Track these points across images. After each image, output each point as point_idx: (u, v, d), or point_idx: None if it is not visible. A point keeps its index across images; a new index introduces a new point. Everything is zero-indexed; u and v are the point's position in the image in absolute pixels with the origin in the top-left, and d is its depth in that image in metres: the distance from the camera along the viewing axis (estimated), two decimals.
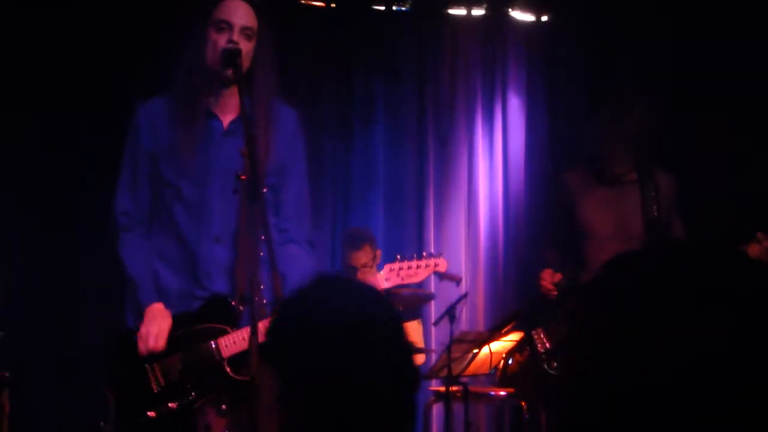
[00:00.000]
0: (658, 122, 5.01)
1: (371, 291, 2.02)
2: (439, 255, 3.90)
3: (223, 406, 5.05)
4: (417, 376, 1.96)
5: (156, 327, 3.64)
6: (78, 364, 6.30)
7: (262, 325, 3.51)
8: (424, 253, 3.90)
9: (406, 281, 3.84)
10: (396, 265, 3.82)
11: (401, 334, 1.92)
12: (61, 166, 6.49)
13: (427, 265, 3.86)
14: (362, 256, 6.15)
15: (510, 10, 7.36)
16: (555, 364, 4.96)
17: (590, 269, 4.97)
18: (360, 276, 5.94)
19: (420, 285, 6.95)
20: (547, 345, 4.99)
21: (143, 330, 3.64)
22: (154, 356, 3.64)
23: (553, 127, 7.26)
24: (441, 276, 4.67)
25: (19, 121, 6.43)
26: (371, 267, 6.11)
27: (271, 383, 3.52)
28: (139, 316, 3.68)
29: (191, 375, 3.65)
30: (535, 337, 5.02)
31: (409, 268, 3.84)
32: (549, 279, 4.97)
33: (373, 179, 7.24)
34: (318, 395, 1.83)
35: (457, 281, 5.49)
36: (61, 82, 6.43)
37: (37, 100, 6.44)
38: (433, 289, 6.95)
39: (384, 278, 3.82)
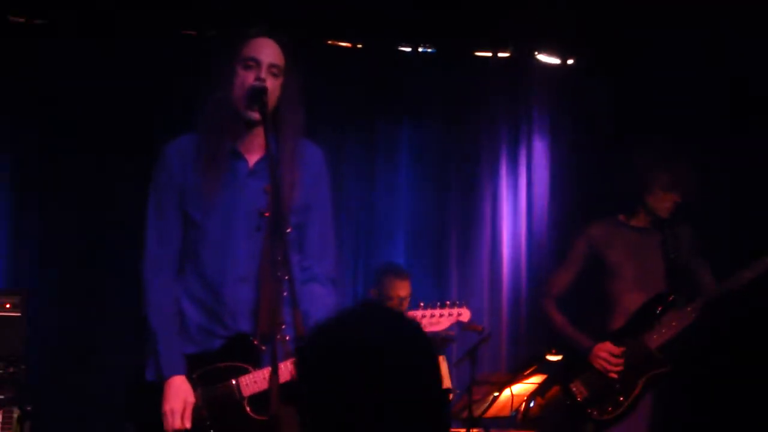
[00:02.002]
0: (696, 181, 5.22)
1: (403, 320, 1.97)
2: (462, 304, 3.86)
3: None
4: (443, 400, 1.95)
5: (180, 404, 3.62)
6: (97, 398, 6.31)
7: (283, 365, 3.52)
8: (447, 302, 3.84)
9: (428, 329, 3.78)
10: (419, 313, 3.78)
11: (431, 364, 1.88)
12: (87, 203, 6.55)
13: (450, 314, 3.81)
14: (405, 287, 6.12)
15: (536, 53, 7.37)
16: (596, 410, 5.18)
17: (620, 309, 5.30)
18: (402, 308, 5.92)
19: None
20: (585, 394, 5.13)
21: (167, 407, 3.62)
22: None
23: (578, 171, 7.24)
24: (463, 326, 4.68)
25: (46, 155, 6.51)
26: (408, 302, 6.08)
27: (291, 423, 3.53)
28: (160, 378, 3.67)
29: (211, 413, 3.64)
30: (574, 389, 5.15)
31: (432, 316, 3.79)
32: (613, 355, 5.14)
33: (395, 220, 7.23)
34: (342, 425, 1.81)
35: (480, 332, 5.52)
36: (95, 122, 6.51)
37: (65, 139, 6.53)
38: (454, 330, 6.92)
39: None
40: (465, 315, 3.85)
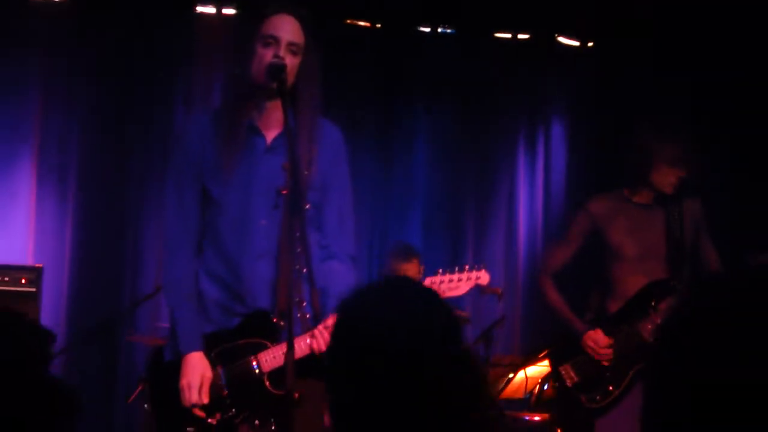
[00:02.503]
0: (699, 153, 5.08)
1: (428, 294, 1.94)
2: (480, 268, 3.79)
3: (257, 422, 5.07)
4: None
5: (198, 378, 3.61)
6: (113, 374, 6.34)
7: (302, 340, 3.52)
8: (466, 266, 3.77)
9: (447, 294, 3.72)
10: (437, 279, 3.71)
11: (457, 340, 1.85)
12: (106, 179, 6.58)
13: (468, 278, 3.73)
14: (410, 269, 6.12)
15: (556, 35, 7.33)
16: (584, 397, 4.97)
17: (619, 292, 5.09)
18: None
19: (458, 304, 6.94)
20: (576, 379, 4.99)
21: (184, 381, 3.61)
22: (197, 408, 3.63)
23: (596, 153, 7.22)
24: (482, 290, 4.50)
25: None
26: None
27: (310, 398, 3.53)
28: (178, 356, 3.67)
29: (231, 390, 3.64)
30: (563, 372, 5.02)
31: (450, 281, 3.72)
32: (601, 345, 5.01)
33: (412, 199, 7.24)
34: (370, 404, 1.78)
35: (499, 295, 5.38)
36: (115, 100, 6.54)
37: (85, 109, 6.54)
38: (469, 312, 6.92)
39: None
40: (484, 278, 3.77)
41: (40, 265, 5.80)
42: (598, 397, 4.98)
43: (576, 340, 5.03)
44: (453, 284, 3.72)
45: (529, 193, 7.38)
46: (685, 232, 5.08)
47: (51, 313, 6.10)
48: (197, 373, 3.62)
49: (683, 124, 5.20)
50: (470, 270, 3.75)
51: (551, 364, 5.19)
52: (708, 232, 5.19)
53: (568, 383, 5.02)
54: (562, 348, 5.13)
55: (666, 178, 5.04)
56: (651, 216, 5.12)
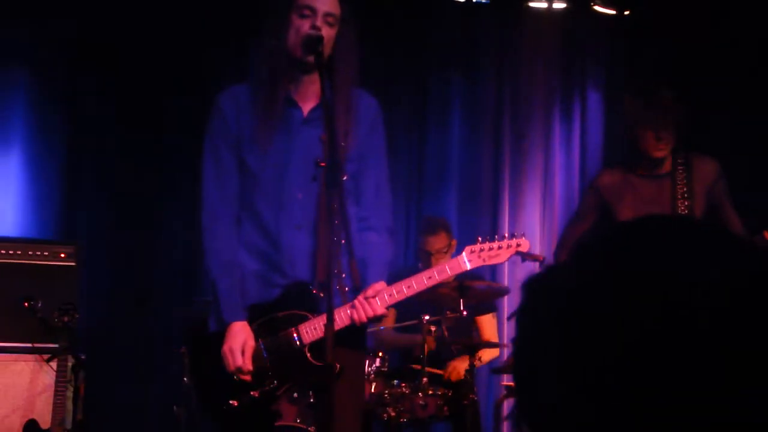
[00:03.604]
0: (685, 110, 4.90)
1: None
2: (521, 235, 3.77)
3: (295, 395, 5.09)
4: None
5: (239, 344, 3.61)
6: (152, 346, 6.38)
7: (342, 311, 3.51)
8: (506, 234, 3.76)
9: (489, 262, 3.70)
10: (477, 247, 3.69)
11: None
12: (141, 153, 6.60)
13: (509, 246, 3.71)
14: (437, 242, 6.10)
15: (592, 4, 7.27)
16: None
17: None
18: (434, 263, 5.91)
19: (494, 278, 6.92)
20: None
21: (226, 347, 3.62)
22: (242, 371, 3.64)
23: None
24: (524, 256, 4.43)
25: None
26: (446, 254, 6.06)
27: (351, 368, 3.53)
28: (222, 325, 3.68)
29: (273, 362, 3.64)
30: None
31: (491, 249, 3.69)
32: None
33: (447, 172, 7.22)
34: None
35: (541, 261, 5.33)
36: (150, 74, 6.55)
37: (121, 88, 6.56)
38: (507, 283, 6.90)
39: (466, 260, 3.70)
40: (524, 245, 3.74)
41: (78, 240, 5.85)
42: None
43: None
44: (494, 252, 3.70)
45: (566, 166, 7.34)
46: (696, 199, 4.87)
47: (89, 286, 6.14)
48: (240, 339, 3.62)
49: (660, 86, 4.99)
50: (510, 238, 3.74)
51: None
52: (727, 195, 4.94)
53: None
54: None
55: (650, 142, 4.83)
56: (659, 187, 4.93)
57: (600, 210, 5.04)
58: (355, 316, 3.55)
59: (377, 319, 3.64)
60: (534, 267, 5.77)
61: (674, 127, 4.85)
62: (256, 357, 3.63)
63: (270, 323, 3.66)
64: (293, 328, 3.63)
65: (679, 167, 4.90)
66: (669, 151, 4.89)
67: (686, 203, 4.85)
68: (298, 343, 3.62)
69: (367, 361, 5.43)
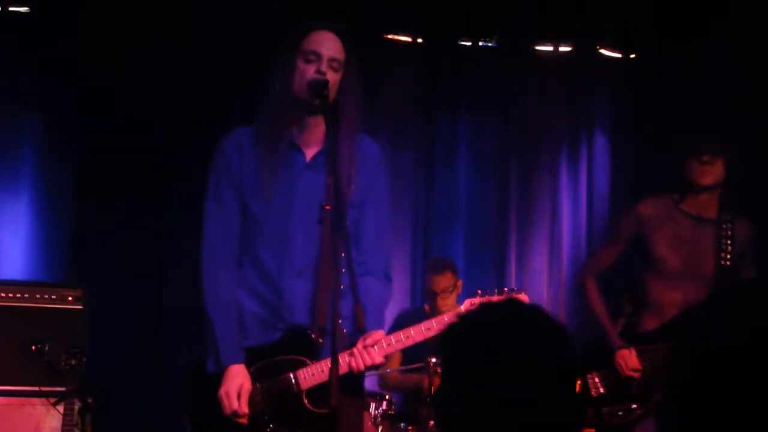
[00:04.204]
0: (734, 145, 4.93)
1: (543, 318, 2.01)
2: (520, 291, 3.81)
3: None
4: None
5: (236, 387, 3.63)
6: (159, 390, 6.36)
7: (342, 357, 3.51)
8: (506, 289, 3.81)
9: None
10: (477, 300, 3.73)
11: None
12: (147, 196, 6.61)
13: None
14: (443, 281, 6.10)
15: (598, 47, 7.30)
16: (607, 410, 4.93)
17: (654, 306, 4.95)
18: (439, 302, 5.92)
19: None
20: (601, 390, 4.92)
21: (223, 390, 3.64)
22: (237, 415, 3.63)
23: (641, 166, 7.15)
24: None
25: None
26: (451, 294, 6.06)
27: (350, 415, 3.53)
28: (220, 368, 3.69)
29: (269, 407, 3.64)
30: (590, 381, 4.94)
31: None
32: (629, 367, 4.90)
33: (454, 214, 7.21)
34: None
35: None
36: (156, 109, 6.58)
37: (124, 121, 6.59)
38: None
39: (464, 311, 3.73)
40: (523, 300, 3.78)
41: (86, 282, 5.85)
42: (620, 413, 4.91)
43: (609, 351, 4.94)
44: None
45: (573, 207, 7.34)
46: (734, 255, 4.91)
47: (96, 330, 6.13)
48: (236, 382, 3.63)
49: (715, 118, 5.03)
50: (510, 292, 3.77)
51: (580, 372, 5.09)
52: (754, 259, 5.00)
53: (593, 393, 4.94)
54: (593, 357, 5.01)
55: (695, 167, 4.84)
56: (700, 230, 4.95)
57: (633, 239, 5.03)
58: (353, 364, 3.57)
59: (374, 367, 3.66)
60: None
61: (721, 157, 4.86)
62: (252, 401, 3.64)
63: (268, 367, 3.67)
64: (291, 373, 3.63)
65: (726, 222, 4.92)
66: (714, 181, 4.88)
67: (728, 257, 4.88)
68: (295, 388, 3.63)
69: (374, 404, 5.43)
